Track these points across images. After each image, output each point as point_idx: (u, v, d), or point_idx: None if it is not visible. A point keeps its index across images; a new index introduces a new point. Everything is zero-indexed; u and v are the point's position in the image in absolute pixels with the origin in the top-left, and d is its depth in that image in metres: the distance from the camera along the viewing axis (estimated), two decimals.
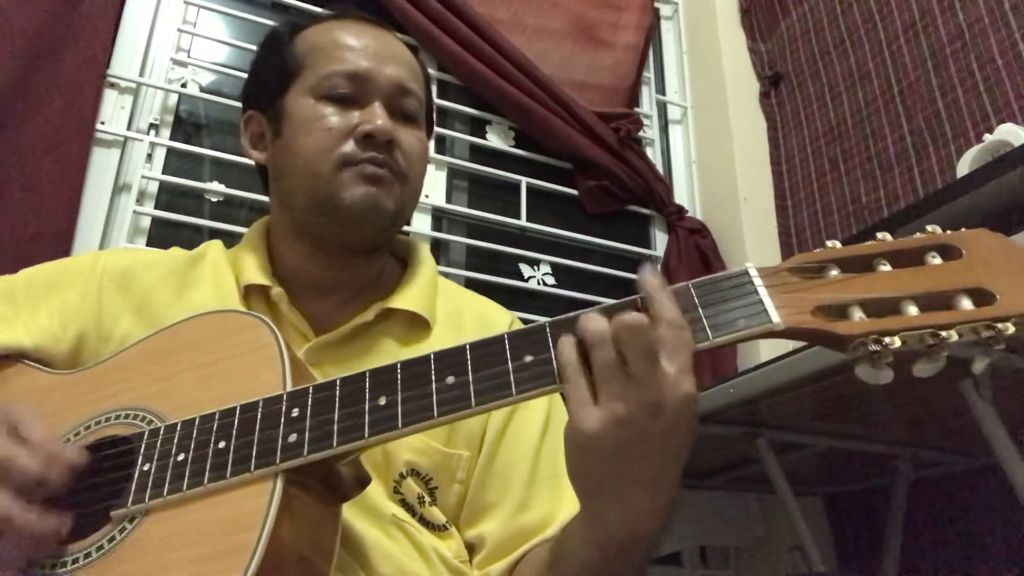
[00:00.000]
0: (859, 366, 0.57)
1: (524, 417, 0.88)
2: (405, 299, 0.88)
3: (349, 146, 0.84)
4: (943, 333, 0.54)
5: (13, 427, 0.64)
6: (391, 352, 0.85)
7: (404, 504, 0.80)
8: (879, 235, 0.61)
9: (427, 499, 0.82)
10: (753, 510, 1.95)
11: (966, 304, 0.56)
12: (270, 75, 0.91)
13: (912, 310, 0.56)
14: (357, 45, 0.89)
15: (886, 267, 0.59)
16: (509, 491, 0.84)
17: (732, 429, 1.43)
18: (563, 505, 0.82)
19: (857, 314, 0.57)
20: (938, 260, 0.59)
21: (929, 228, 0.60)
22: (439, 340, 0.87)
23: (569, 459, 0.62)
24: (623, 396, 0.57)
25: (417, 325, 0.89)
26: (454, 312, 0.93)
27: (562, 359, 0.59)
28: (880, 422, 1.48)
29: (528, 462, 0.86)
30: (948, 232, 0.60)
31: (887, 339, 0.55)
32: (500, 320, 0.96)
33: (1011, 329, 0.54)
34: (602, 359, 0.57)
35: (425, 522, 0.81)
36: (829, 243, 0.61)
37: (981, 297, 0.56)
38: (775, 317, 0.58)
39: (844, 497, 1.92)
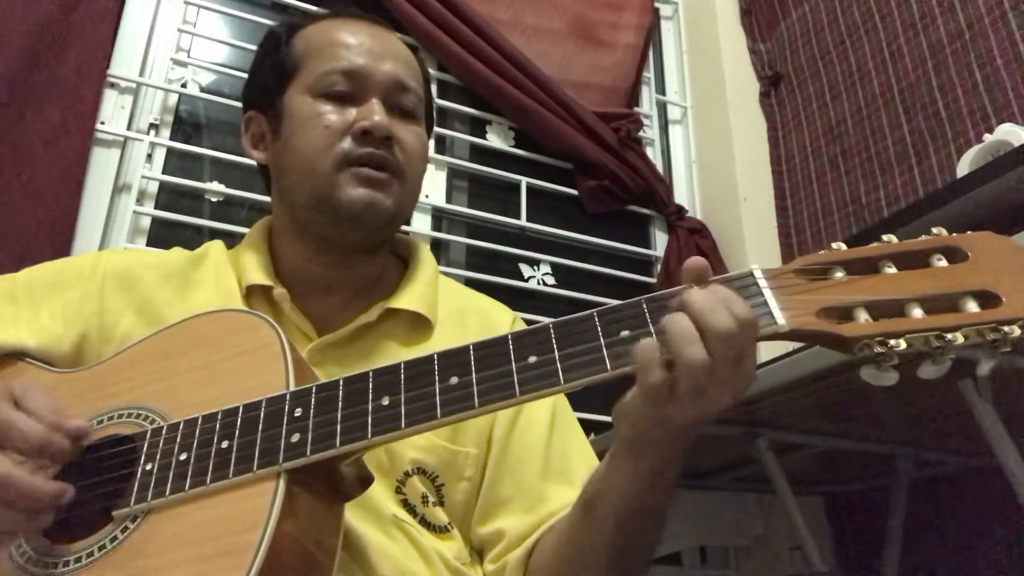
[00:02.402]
0: (864, 368, 0.57)
1: (531, 412, 0.88)
2: (407, 299, 0.89)
3: (347, 143, 0.84)
4: (948, 335, 0.54)
5: (16, 398, 0.66)
6: (394, 352, 0.86)
7: (406, 505, 0.80)
8: (884, 237, 0.60)
9: (431, 499, 0.82)
10: (753, 510, 1.95)
11: (972, 306, 0.55)
12: (268, 75, 0.92)
13: (917, 312, 0.56)
14: (354, 42, 0.89)
15: (891, 269, 0.59)
16: (523, 486, 0.84)
17: (732, 429, 1.44)
18: (577, 496, 0.83)
19: (862, 316, 0.57)
20: (943, 263, 0.58)
21: (935, 230, 0.60)
22: (441, 339, 0.87)
23: (622, 424, 0.63)
24: (705, 394, 0.58)
25: (420, 325, 0.89)
26: (456, 311, 0.93)
27: (644, 356, 0.58)
28: (880, 422, 1.49)
29: (539, 458, 0.86)
30: (954, 235, 0.60)
31: (892, 341, 0.55)
32: (502, 319, 0.96)
33: (1017, 332, 0.54)
34: (694, 360, 0.57)
35: (426, 523, 0.81)
36: (834, 245, 0.61)
37: (987, 300, 0.56)
38: (780, 319, 0.58)
39: (844, 497, 1.92)
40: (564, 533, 0.78)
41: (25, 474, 0.61)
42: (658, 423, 0.61)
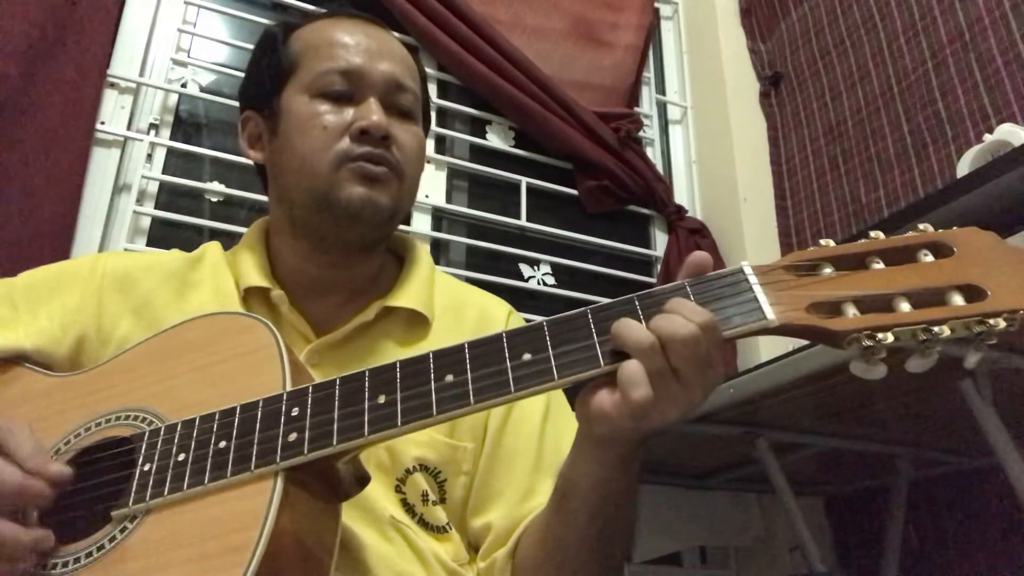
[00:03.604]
0: (853, 362, 0.58)
1: (525, 406, 0.88)
2: (404, 297, 0.89)
3: (345, 143, 0.84)
4: (935, 328, 0.55)
5: None
6: (392, 351, 0.86)
7: (404, 504, 0.80)
8: (872, 233, 0.61)
9: (432, 497, 0.82)
10: (753, 510, 1.95)
11: (958, 300, 0.57)
12: (265, 75, 0.91)
13: (905, 306, 0.57)
14: (351, 42, 0.89)
15: (879, 265, 0.60)
16: (514, 479, 0.85)
17: (732, 429, 1.44)
18: None
19: (851, 310, 0.58)
20: (930, 258, 0.60)
21: (921, 227, 0.61)
22: (439, 336, 0.88)
23: (597, 426, 0.63)
24: (673, 399, 0.60)
25: (417, 322, 0.89)
26: (453, 306, 0.93)
27: (629, 376, 0.59)
28: (880, 422, 1.49)
29: (532, 450, 0.87)
30: (940, 230, 0.61)
31: (880, 335, 0.56)
32: (498, 313, 0.97)
33: (1002, 324, 0.55)
34: (657, 369, 0.59)
35: (424, 523, 0.81)
36: (823, 241, 0.62)
37: (972, 293, 0.57)
38: (769, 314, 0.59)
39: (844, 497, 1.92)
40: (542, 527, 0.79)
41: (6, 522, 0.61)
42: (638, 427, 0.62)
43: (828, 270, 0.60)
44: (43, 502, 0.64)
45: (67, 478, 0.65)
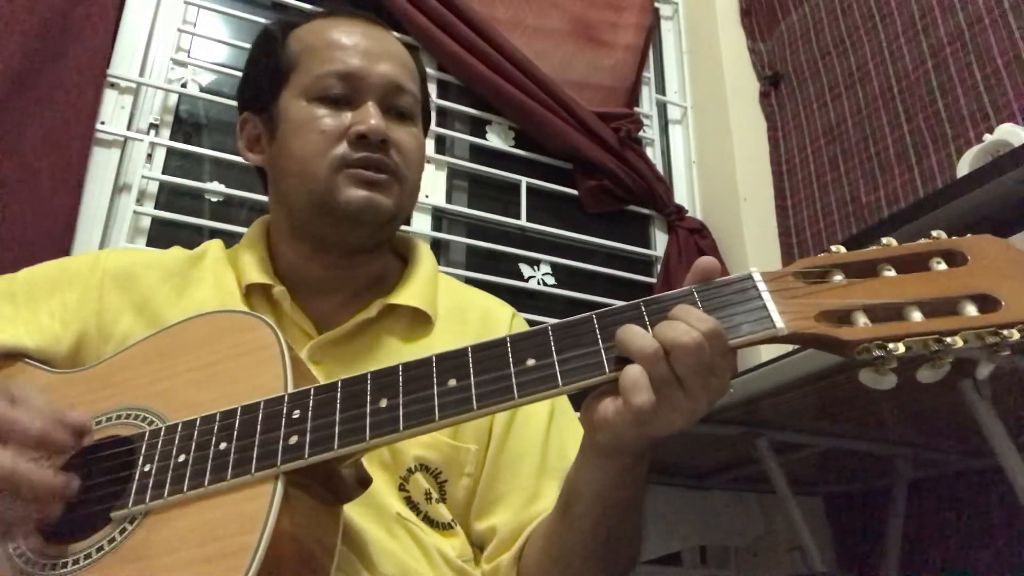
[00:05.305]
0: (862, 372, 0.57)
1: (529, 409, 0.88)
2: (407, 295, 0.89)
3: (343, 148, 0.84)
4: (948, 339, 0.54)
5: (13, 397, 0.64)
6: (394, 349, 0.86)
7: (409, 502, 0.80)
8: (884, 240, 0.60)
9: (435, 495, 0.82)
10: (753, 510, 1.95)
11: (971, 310, 0.55)
12: (263, 77, 0.91)
13: (916, 316, 0.56)
14: (349, 43, 0.88)
15: (890, 272, 0.59)
16: (519, 482, 0.85)
17: (732, 429, 1.44)
18: None
19: (861, 319, 0.57)
20: (943, 266, 0.58)
21: (934, 234, 0.60)
22: (441, 336, 0.88)
23: (601, 434, 0.63)
24: (677, 406, 0.59)
25: (419, 321, 0.89)
26: (456, 308, 0.93)
27: (631, 380, 0.59)
28: (880, 422, 1.49)
29: (537, 453, 0.87)
30: (953, 238, 0.60)
31: (891, 345, 0.55)
32: (502, 315, 0.96)
33: (1016, 336, 0.53)
34: (660, 376, 0.58)
35: (430, 520, 0.81)
36: (833, 248, 0.61)
37: (986, 303, 0.56)
38: (779, 322, 0.58)
39: (844, 497, 1.92)
40: (547, 533, 0.79)
41: (31, 466, 0.61)
42: (641, 435, 0.61)
43: (838, 277, 0.59)
44: (66, 450, 0.64)
45: (87, 425, 0.66)
